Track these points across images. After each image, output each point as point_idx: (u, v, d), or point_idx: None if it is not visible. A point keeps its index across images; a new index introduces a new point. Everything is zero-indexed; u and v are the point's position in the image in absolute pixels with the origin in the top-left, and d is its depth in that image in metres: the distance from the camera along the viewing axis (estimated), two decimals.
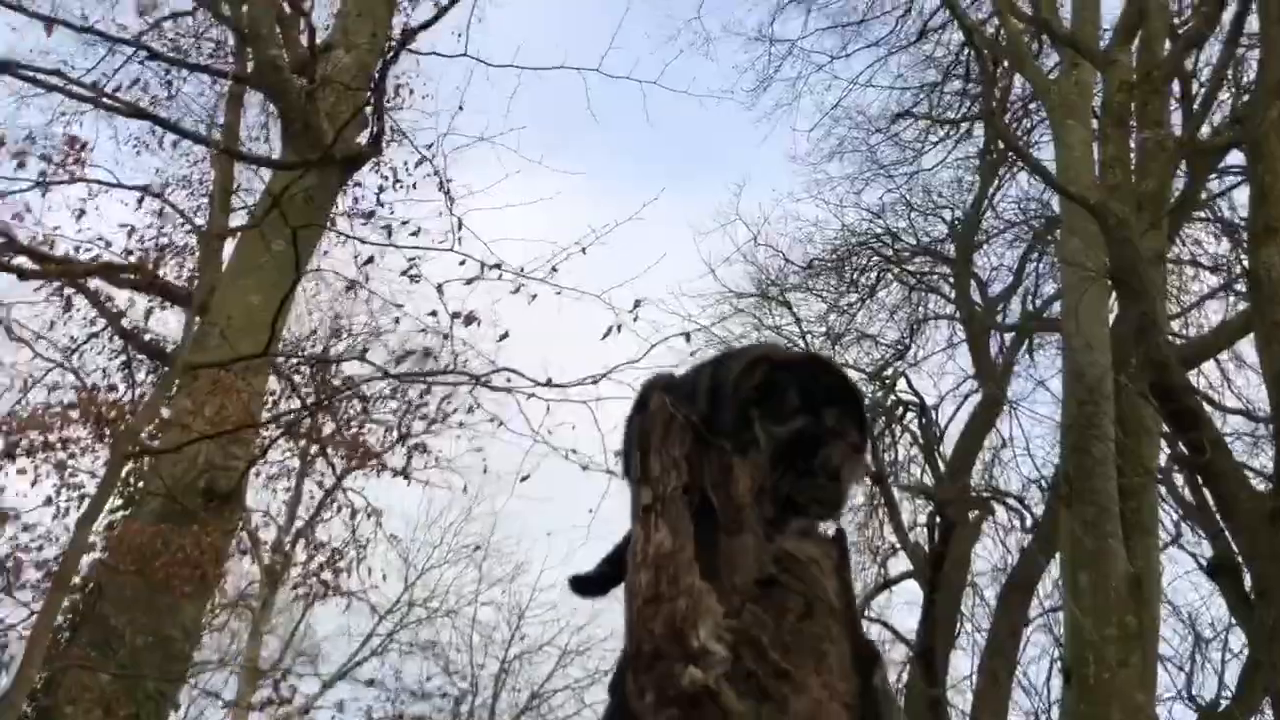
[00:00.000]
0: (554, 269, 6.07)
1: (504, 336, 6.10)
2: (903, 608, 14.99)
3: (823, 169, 15.17)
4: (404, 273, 6.46)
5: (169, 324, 9.11)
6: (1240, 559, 6.85)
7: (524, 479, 6.52)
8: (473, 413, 7.07)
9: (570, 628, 17.67)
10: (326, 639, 16.00)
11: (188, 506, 6.63)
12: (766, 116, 18.12)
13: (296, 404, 8.02)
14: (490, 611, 19.72)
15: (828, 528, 1.82)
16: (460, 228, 6.23)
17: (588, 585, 2.07)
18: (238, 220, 8.43)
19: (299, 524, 12.37)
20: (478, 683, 17.00)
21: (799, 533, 1.76)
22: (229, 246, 8.26)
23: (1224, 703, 10.88)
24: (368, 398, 8.22)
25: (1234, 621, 9.55)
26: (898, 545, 12.90)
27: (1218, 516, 7.40)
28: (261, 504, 11.33)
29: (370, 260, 7.31)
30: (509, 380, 5.70)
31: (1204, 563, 9.01)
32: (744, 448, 1.86)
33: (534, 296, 6.08)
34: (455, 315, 5.96)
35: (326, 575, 7.98)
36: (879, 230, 14.43)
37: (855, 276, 14.08)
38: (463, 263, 6.05)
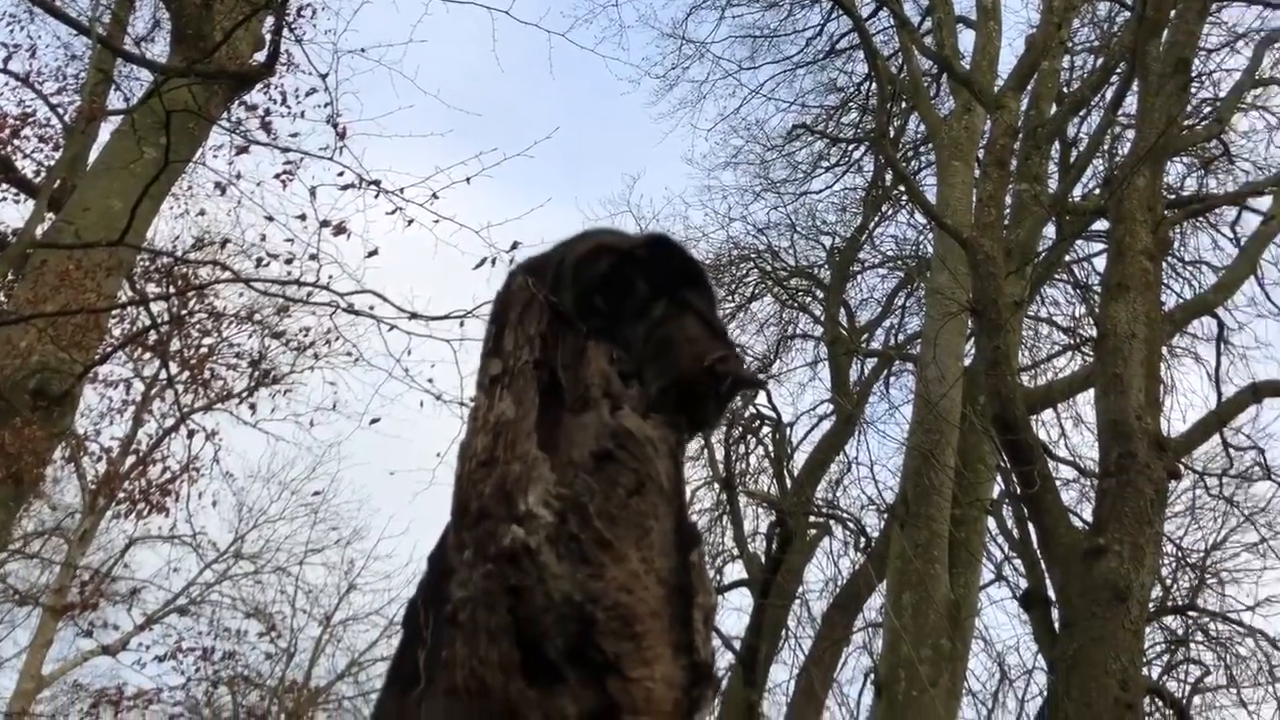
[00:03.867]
0: (435, 195, 5.88)
1: (373, 253, 5.92)
2: (732, 614, 15.29)
3: (716, 176, 15.47)
4: (278, 175, 6.23)
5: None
6: (1053, 592, 7.16)
7: (375, 421, 6.37)
8: (330, 345, 6.85)
9: (400, 600, 17.43)
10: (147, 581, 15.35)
11: (14, 405, 6.29)
12: (669, 114, 18.31)
13: (145, 319, 7.67)
14: (321, 573, 19.34)
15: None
16: (343, 137, 6.03)
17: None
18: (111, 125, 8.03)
19: (133, 457, 11.90)
20: (297, 644, 16.59)
21: (641, 412, 1.77)
22: (97, 151, 7.89)
23: None
24: (221, 314, 7.91)
25: (1038, 662, 10.02)
26: (736, 553, 13.17)
27: (1037, 550, 7.74)
28: (97, 436, 10.88)
29: (245, 150, 7.03)
30: (373, 307, 5.54)
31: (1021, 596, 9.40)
32: (597, 331, 1.87)
33: (410, 221, 5.92)
34: (325, 223, 5.75)
35: (155, 495, 7.64)
36: (761, 246, 14.73)
37: (733, 286, 14.31)
38: (341, 173, 5.85)
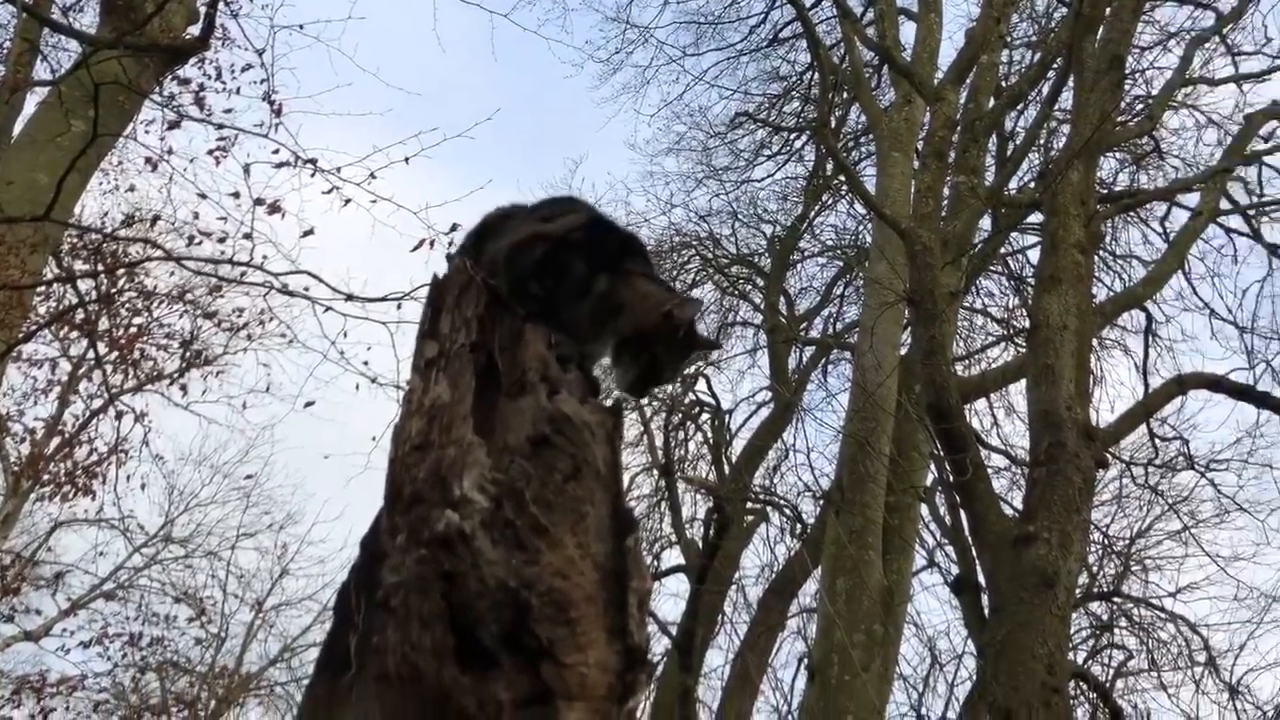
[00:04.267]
0: (372, 175, 5.78)
1: (309, 233, 5.80)
2: (670, 599, 15.39)
3: (658, 162, 15.51)
4: (211, 152, 6.09)
5: None
6: (983, 578, 7.28)
7: (309, 404, 6.27)
8: (264, 326, 6.73)
9: (334, 585, 17.20)
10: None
11: None
12: (612, 99, 18.17)
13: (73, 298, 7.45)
14: (253, 557, 19.10)
15: (606, 396, 1.84)
16: (279, 114, 5.92)
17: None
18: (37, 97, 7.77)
19: (59, 439, 11.60)
20: (228, 629, 16.36)
21: (579, 397, 1.76)
22: (21, 123, 7.63)
23: None
24: (151, 293, 7.72)
25: (967, 646, 10.20)
26: (674, 539, 13.23)
27: (969, 537, 7.86)
28: (20, 416, 10.59)
29: (177, 124, 6.85)
30: (307, 288, 5.43)
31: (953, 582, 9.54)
32: (536, 314, 1.86)
33: (347, 201, 5.81)
34: (259, 202, 5.63)
35: (81, 478, 7.46)
36: (702, 233, 14.79)
37: (674, 273, 14.34)
38: (276, 151, 5.74)
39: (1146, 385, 10.08)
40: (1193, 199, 10.42)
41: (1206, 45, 11.05)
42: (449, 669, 1.50)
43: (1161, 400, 9.06)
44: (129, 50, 6.92)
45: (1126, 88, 10.13)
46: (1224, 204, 10.58)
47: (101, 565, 14.64)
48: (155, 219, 7.47)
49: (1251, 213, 11.20)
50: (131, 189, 9.46)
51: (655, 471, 13.25)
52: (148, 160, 7.48)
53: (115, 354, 8.01)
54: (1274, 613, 11.77)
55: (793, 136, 14.59)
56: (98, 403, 10.52)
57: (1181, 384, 8.80)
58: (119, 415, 8.29)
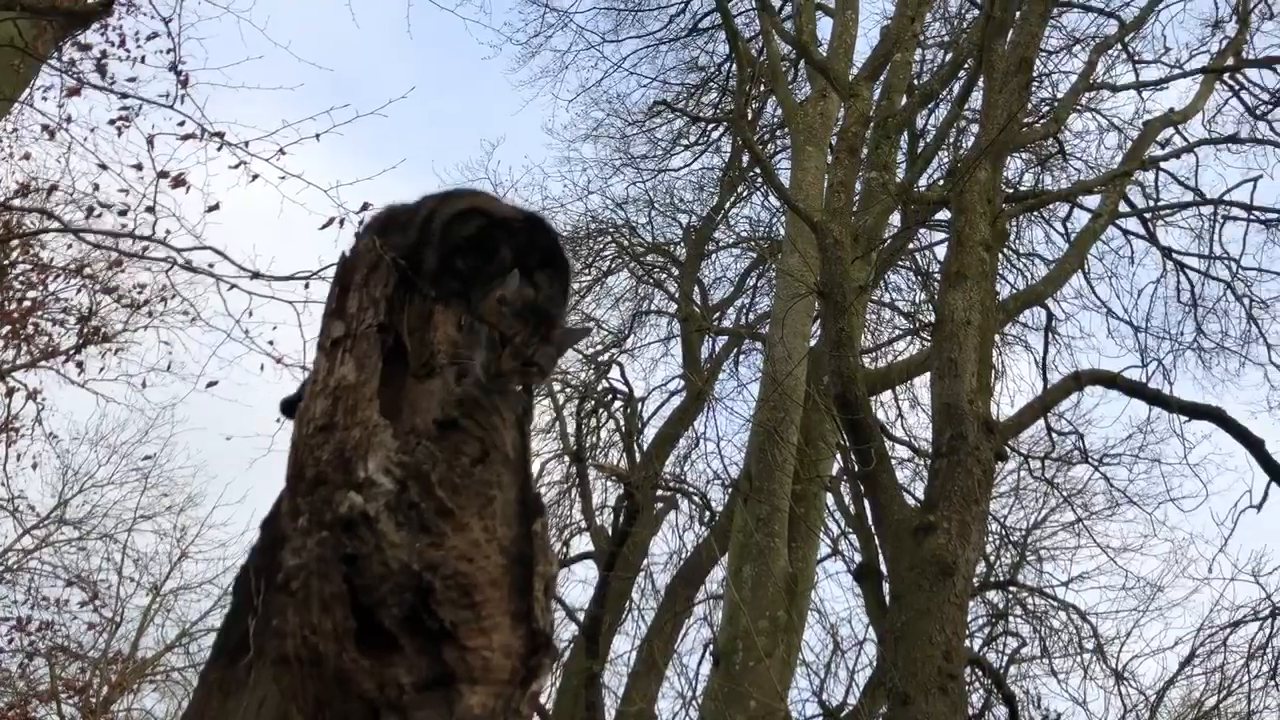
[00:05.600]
0: (281, 151, 5.65)
1: (214, 207, 5.65)
2: (578, 586, 15.40)
3: (576, 148, 15.41)
4: (113, 122, 5.89)
5: None
6: (884, 566, 7.43)
7: (212, 384, 6.11)
8: (166, 303, 6.54)
9: (236, 569, 16.81)
10: None
11: None
12: (530, 83, 17.93)
13: None
14: (151, 540, 18.60)
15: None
16: (186, 85, 5.74)
17: (294, 406, 1.98)
18: None
19: None
20: (124, 613, 15.90)
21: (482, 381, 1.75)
22: None
23: (848, 708, 11.90)
24: (47, 266, 7.44)
25: (869, 633, 10.42)
26: (584, 525, 13.26)
27: (872, 526, 8.01)
28: None
29: (76, 91, 6.60)
30: (212, 264, 5.29)
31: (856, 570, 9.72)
32: (447, 295, 1.84)
33: (255, 177, 5.68)
34: (163, 174, 5.47)
35: None
36: (619, 221, 14.79)
37: (590, 260, 14.33)
38: (182, 123, 5.58)
39: (1045, 381, 10.39)
40: (1093, 201, 10.74)
41: (1110, 52, 11.39)
42: (349, 652, 1.48)
43: (1059, 396, 9.34)
44: (25, 12, 6.66)
45: (1033, 90, 10.40)
46: (1123, 207, 10.94)
47: None
48: (52, 189, 7.20)
49: (1148, 216, 11.61)
50: (27, 157, 9.09)
51: (567, 458, 13.26)
52: (45, 128, 7.22)
53: (7, 328, 7.72)
54: (1158, 601, 12.28)
55: (710, 127, 14.66)
56: None
57: (1078, 380, 9.07)
58: (10, 392, 7.99)
